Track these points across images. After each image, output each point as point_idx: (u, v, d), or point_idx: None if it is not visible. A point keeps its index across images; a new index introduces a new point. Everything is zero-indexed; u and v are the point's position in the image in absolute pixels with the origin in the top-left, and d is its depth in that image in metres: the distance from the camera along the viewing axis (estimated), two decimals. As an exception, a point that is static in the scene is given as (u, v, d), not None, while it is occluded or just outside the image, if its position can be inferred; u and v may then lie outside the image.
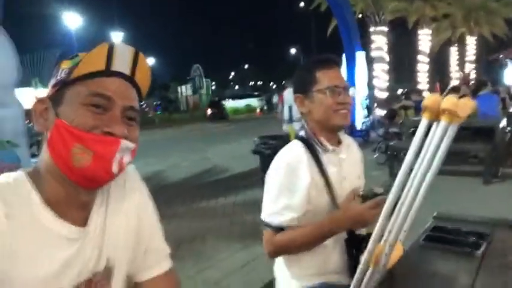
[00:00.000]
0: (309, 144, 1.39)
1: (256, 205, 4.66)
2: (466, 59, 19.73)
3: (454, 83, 17.85)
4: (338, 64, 1.46)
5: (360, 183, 1.48)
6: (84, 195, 0.77)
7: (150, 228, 0.90)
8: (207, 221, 4.48)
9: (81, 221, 0.77)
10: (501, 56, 17.16)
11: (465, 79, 12.72)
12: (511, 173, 5.62)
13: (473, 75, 17.96)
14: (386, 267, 1.14)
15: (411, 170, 1.08)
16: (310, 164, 1.35)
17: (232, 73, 77.01)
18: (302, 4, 35.17)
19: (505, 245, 1.23)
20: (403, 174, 1.10)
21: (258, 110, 26.77)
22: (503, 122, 5.94)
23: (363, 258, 1.14)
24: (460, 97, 1.04)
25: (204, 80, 27.25)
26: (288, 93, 8.31)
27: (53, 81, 0.77)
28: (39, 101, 0.77)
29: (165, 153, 9.80)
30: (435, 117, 1.08)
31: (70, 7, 22.83)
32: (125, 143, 0.73)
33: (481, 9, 18.00)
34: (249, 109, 28.41)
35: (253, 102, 29.46)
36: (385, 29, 13.22)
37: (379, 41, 13.06)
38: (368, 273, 1.12)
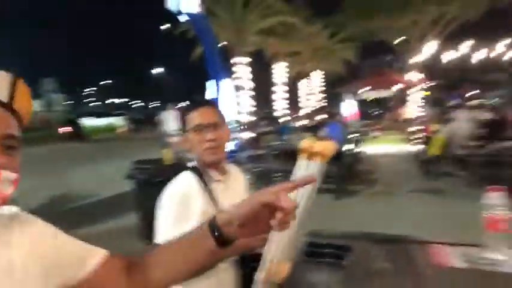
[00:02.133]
0: (200, 175, 1.49)
1: (131, 231, 4.50)
2: (314, 91, 22.60)
3: (305, 111, 20.20)
4: (207, 104, 1.58)
5: None
6: None
7: (60, 248, 0.84)
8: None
9: None
10: (340, 90, 20.26)
11: (322, 110, 14.63)
12: (356, 189, 6.70)
13: (320, 105, 20.63)
14: (277, 282, 1.32)
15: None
16: (202, 193, 1.45)
17: (92, 89, 71.57)
18: (167, 25, 35.28)
19: (363, 255, 1.54)
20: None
21: (122, 130, 25.21)
22: (346, 146, 7.05)
23: (256, 276, 1.30)
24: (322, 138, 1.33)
25: (55, 95, 24.69)
26: (165, 116, 8.24)
27: None
28: None
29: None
30: (310, 157, 1.34)
31: None
32: (5, 174, 0.71)
33: (323, 49, 20.97)
34: (112, 128, 26.46)
35: (117, 121, 27.48)
36: (246, 59, 14.28)
37: (242, 71, 14.03)
38: (262, 289, 1.28)
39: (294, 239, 1.34)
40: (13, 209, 0.83)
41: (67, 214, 5.74)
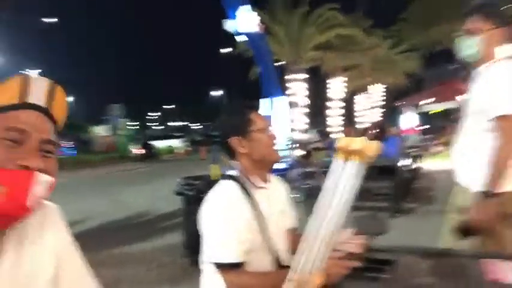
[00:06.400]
0: (240, 183, 1.45)
1: (176, 248, 4.49)
2: (374, 105, 21.82)
3: (363, 126, 19.54)
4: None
5: (285, 218, 1.56)
6: None
7: (74, 272, 0.84)
8: (120, 269, 4.13)
9: None
10: (403, 103, 19.33)
11: (377, 124, 14.04)
12: (412, 207, 6.22)
13: (379, 119, 19.85)
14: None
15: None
16: (245, 200, 1.40)
17: (154, 113, 75.78)
18: (229, 49, 36.56)
19: (408, 270, 1.37)
20: (321, 209, 1.21)
21: (181, 151, 26.60)
22: (402, 162, 6.58)
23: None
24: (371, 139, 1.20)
25: (121, 120, 26.45)
26: None
27: None
28: None
29: (75, 198, 9.01)
30: (348, 157, 1.22)
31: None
32: (41, 176, 0.71)
33: (383, 61, 20.26)
34: (171, 150, 28.09)
35: (176, 143, 29.27)
36: (302, 76, 14.24)
37: (297, 87, 13.98)
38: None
39: (325, 250, 1.21)
40: (53, 206, 0.84)
41: (118, 231, 5.90)
